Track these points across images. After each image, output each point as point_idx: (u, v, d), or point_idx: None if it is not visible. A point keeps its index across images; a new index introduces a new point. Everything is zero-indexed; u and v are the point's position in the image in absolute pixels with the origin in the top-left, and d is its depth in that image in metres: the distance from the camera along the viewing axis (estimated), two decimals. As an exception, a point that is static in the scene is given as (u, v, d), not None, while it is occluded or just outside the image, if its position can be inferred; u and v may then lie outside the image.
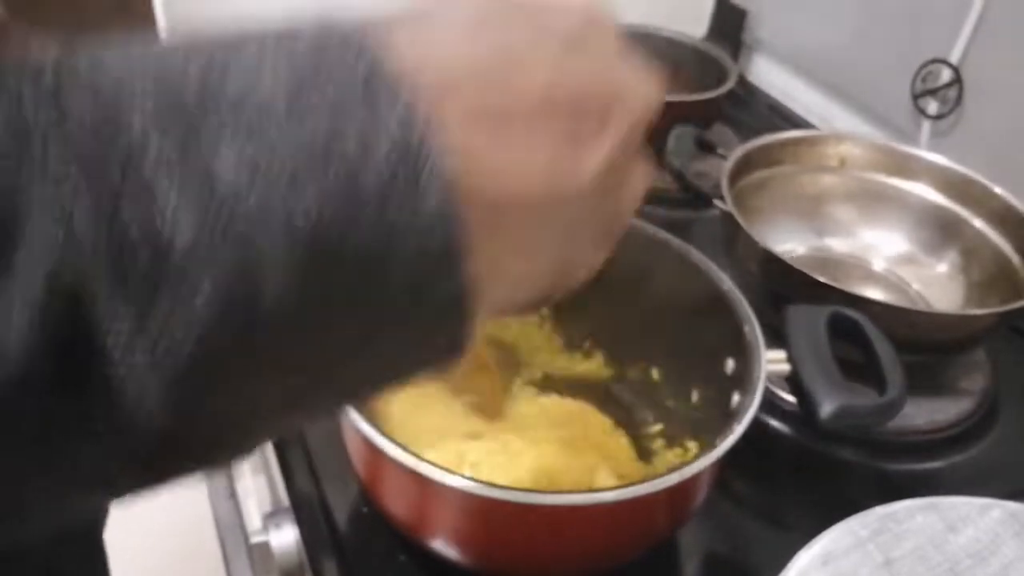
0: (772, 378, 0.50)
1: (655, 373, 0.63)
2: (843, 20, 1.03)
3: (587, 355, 0.66)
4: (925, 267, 0.79)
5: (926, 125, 0.93)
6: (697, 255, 0.58)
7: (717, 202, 0.71)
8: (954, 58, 0.89)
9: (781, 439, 0.66)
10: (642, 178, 0.28)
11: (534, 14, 0.24)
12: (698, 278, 0.57)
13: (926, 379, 0.71)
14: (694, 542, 0.58)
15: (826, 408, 0.49)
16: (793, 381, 0.51)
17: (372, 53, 0.20)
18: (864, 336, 0.54)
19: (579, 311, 0.62)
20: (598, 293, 0.60)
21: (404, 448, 0.43)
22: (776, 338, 0.53)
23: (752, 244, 0.68)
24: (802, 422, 0.63)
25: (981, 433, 0.68)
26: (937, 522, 0.54)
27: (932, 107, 0.92)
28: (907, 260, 0.80)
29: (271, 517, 0.59)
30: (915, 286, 0.79)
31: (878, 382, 0.52)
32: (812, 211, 0.83)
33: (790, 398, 0.66)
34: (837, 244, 0.82)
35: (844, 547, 0.52)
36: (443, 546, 0.50)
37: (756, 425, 0.66)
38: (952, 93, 0.90)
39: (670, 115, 0.84)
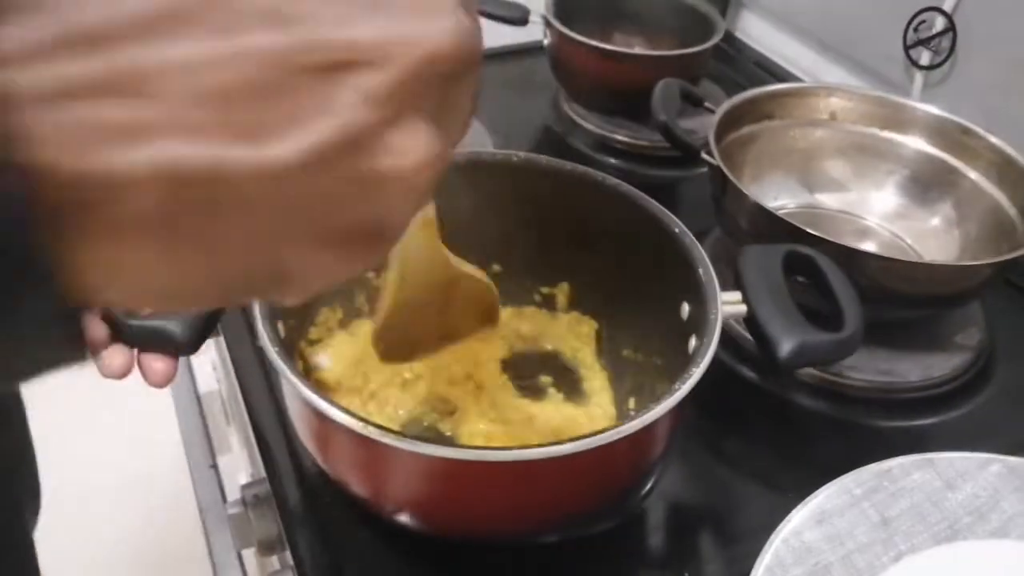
0: (729, 320, 0.49)
1: (607, 326, 0.63)
2: (833, -29, 1.00)
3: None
4: (919, 221, 0.77)
5: (919, 76, 0.91)
6: (645, 198, 0.56)
7: (705, 156, 0.69)
8: (947, 6, 0.86)
9: (772, 397, 0.65)
10: (418, 150, 0.21)
11: None
12: (650, 223, 0.55)
13: (921, 334, 0.69)
14: (687, 502, 0.57)
15: (785, 347, 0.47)
16: (750, 322, 0.49)
17: None
18: (820, 273, 0.53)
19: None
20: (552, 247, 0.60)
21: (346, 410, 0.41)
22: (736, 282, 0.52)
23: (742, 199, 0.66)
24: (761, 363, 0.66)
25: (977, 388, 0.67)
26: (935, 479, 0.52)
27: (925, 57, 0.90)
28: (901, 214, 0.78)
29: (248, 488, 0.58)
30: (909, 240, 0.77)
31: (835, 319, 0.51)
32: (803, 166, 0.80)
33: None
34: (829, 199, 0.80)
35: (839, 506, 0.50)
36: (399, 516, 0.48)
37: (747, 384, 0.65)
38: (945, 42, 0.87)
39: (656, 71, 0.82)
